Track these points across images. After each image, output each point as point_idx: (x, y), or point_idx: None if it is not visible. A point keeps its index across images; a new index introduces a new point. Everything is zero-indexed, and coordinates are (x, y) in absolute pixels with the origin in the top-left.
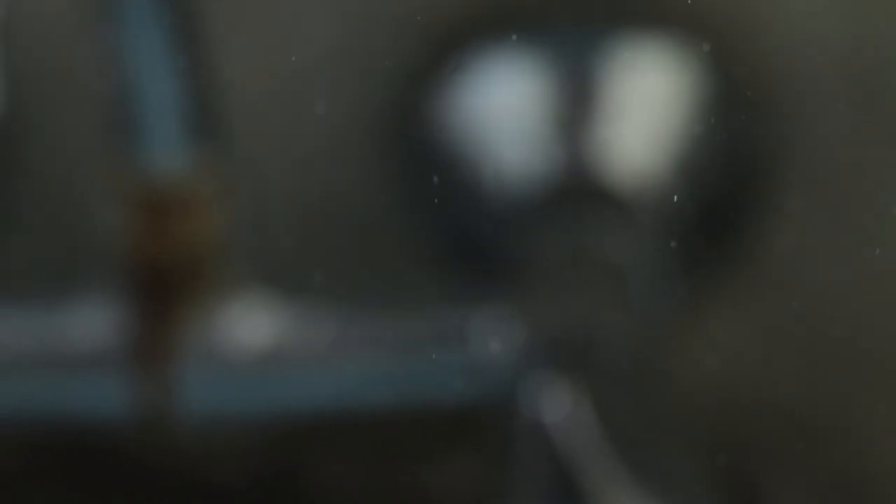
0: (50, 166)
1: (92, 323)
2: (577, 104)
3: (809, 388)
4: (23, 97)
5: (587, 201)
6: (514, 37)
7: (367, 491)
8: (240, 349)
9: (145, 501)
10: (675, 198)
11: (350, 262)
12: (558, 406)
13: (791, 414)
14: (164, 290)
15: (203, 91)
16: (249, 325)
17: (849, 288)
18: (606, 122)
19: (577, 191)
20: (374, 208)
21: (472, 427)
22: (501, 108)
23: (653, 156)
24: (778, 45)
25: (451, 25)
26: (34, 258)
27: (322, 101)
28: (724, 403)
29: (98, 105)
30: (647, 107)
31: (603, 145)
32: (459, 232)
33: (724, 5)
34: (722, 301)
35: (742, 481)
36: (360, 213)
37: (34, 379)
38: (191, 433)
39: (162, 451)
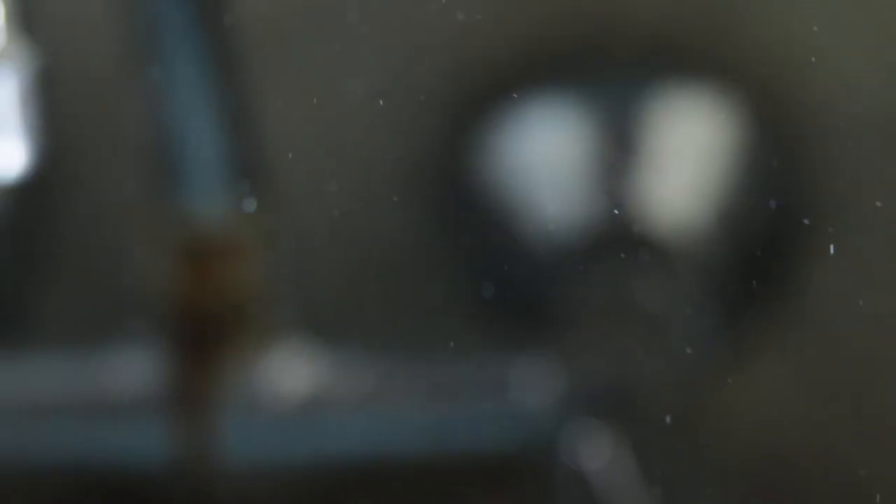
0: (92, 213)
1: (133, 370)
2: (618, 152)
3: (853, 437)
4: (66, 144)
5: (628, 249)
6: (556, 85)
7: None
8: (280, 397)
9: None
10: (717, 246)
11: (391, 309)
12: (599, 454)
13: (834, 463)
14: (205, 337)
15: (245, 139)
16: (289, 372)
17: (893, 335)
18: (648, 171)
19: (618, 239)
20: (416, 256)
21: (512, 475)
22: (544, 155)
23: (694, 204)
24: (818, 94)
25: (495, 73)
26: (76, 305)
27: (364, 148)
28: (766, 452)
29: (141, 153)
30: (688, 155)
31: (644, 194)
32: (501, 279)
33: (765, 56)
34: (764, 349)
35: None
36: (401, 261)
37: (75, 426)
38: (231, 481)
39: (202, 498)
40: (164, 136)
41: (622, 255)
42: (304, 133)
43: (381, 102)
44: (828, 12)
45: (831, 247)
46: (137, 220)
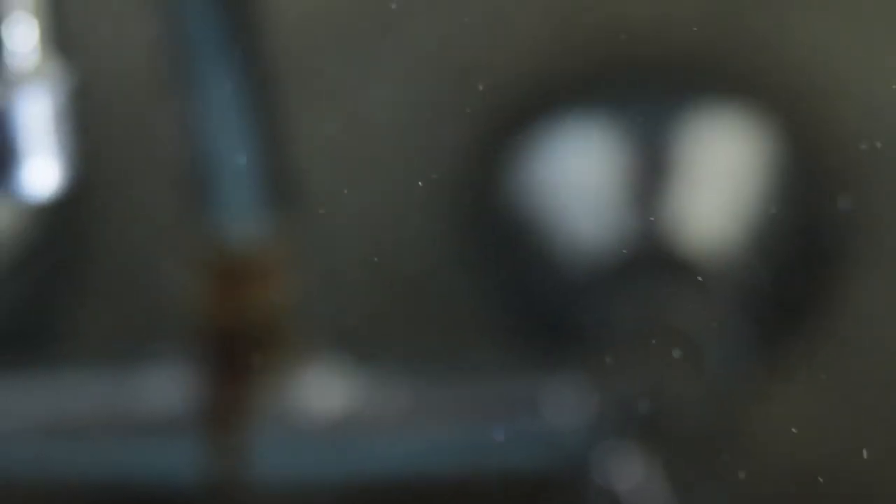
0: (125, 232)
1: (166, 388)
2: (651, 174)
3: (888, 458)
4: (99, 163)
5: (661, 271)
6: (590, 105)
7: None
8: (312, 416)
9: None
10: (750, 266)
11: (423, 329)
12: (630, 474)
13: (872, 481)
14: (237, 356)
15: (277, 159)
16: (322, 391)
17: None
18: (681, 193)
19: (651, 261)
20: (449, 275)
21: (544, 495)
22: (578, 175)
23: (727, 224)
24: (852, 114)
25: (529, 92)
26: (109, 323)
27: (397, 168)
28: (801, 471)
29: (174, 172)
30: (721, 177)
31: (677, 215)
32: (533, 301)
33: (799, 77)
34: (798, 368)
35: None
36: (433, 280)
37: (108, 443)
38: (263, 499)
39: None
40: (196, 155)
41: (655, 276)
42: (336, 152)
43: (412, 123)
44: (862, 36)
45: (866, 265)
46: (170, 239)
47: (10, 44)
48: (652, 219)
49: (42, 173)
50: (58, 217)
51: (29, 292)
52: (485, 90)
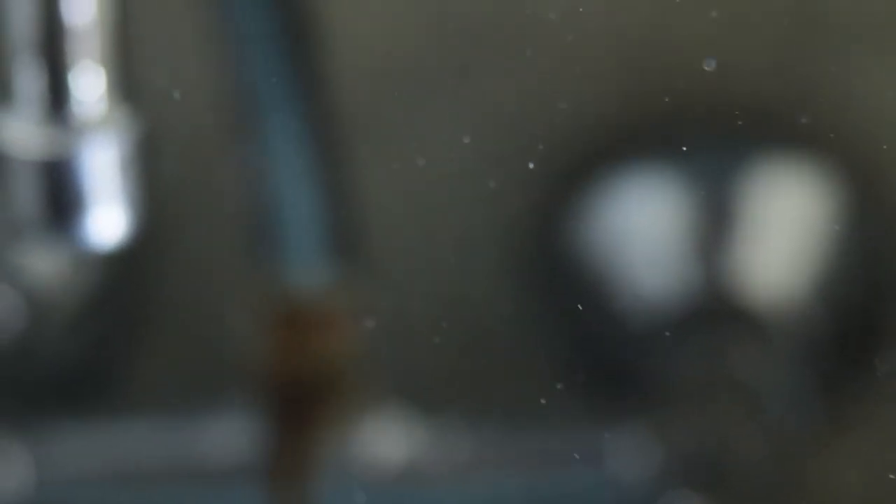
0: (190, 280)
1: (229, 438)
2: (716, 224)
3: None
4: (165, 210)
5: (725, 322)
6: (655, 156)
7: None
8: (377, 465)
9: None
10: (813, 317)
11: (487, 380)
12: None
13: None
14: (301, 405)
15: (343, 208)
16: (386, 440)
17: None
18: (744, 243)
19: (715, 310)
20: (512, 326)
21: None
22: (642, 226)
23: (791, 276)
24: None
25: (592, 146)
26: (173, 372)
27: (462, 216)
28: None
29: (238, 220)
30: (785, 227)
31: (740, 265)
32: (597, 351)
33: (863, 128)
34: (859, 419)
35: None
36: (497, 330)
37: (171, 493)
38: None
39: None
40: (261, 204)
41: (719, 327)
42: (400, 202)
43: (477, 172)
44: None
45: None
46: (235, 287)
47: (77, 92)
48: (717, 270)
49: (107, 222)
50: (122, 265)
51: (93, 341)
52: (549, 142)
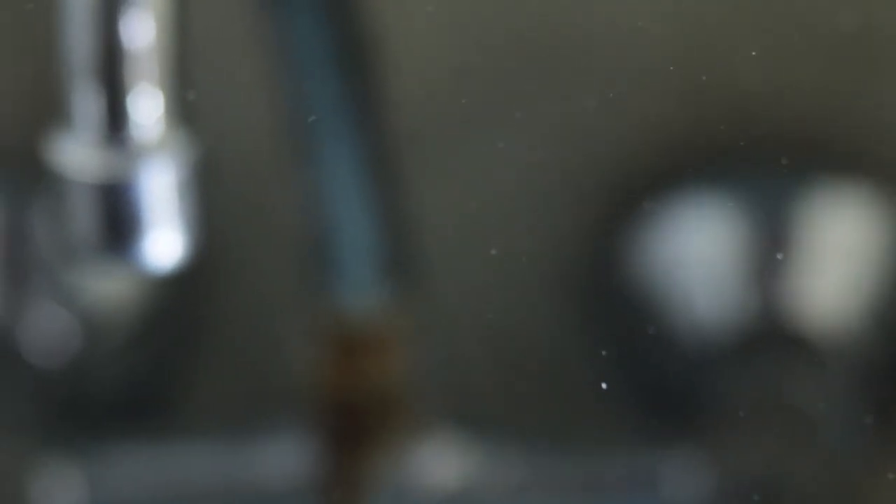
0: (246, 303)
1: (284, 459)
2: (770, 250)
3: None
4: (220, 234)
5: (780, 347)
6: (710, 182)
7: None
8: (429, 489)
9: None
10: (869, 343)
11: (540, 403)
12: None
13: None
14: (355, 428)
15: (398, 231)
16: (439, 463)
17: None
18: (800, 268)
19: (770, 336)
20: (566, 350)
21: None
22: (697, 252)
23: (846, 302)
24: None
25: (648, 172)
26: (228, 393)
27: (516, 240)
28: None
29: (295, 243)
30: (840, 253)
31: (796, 291)
32: (651, 375)
33: None
34: None
35: None
36: (551, 353)
37: None
38: None
39: None
40: (317, 227)
41: (774, 352)
42: (455, 224)
43: (531, 196)
44: None
45: None
46: (291, 310)
47: (135, 115)
48: (772, 296)
49: (164, 245)
50: (179, 288)
51: (149, 363)
52: (608, 166)
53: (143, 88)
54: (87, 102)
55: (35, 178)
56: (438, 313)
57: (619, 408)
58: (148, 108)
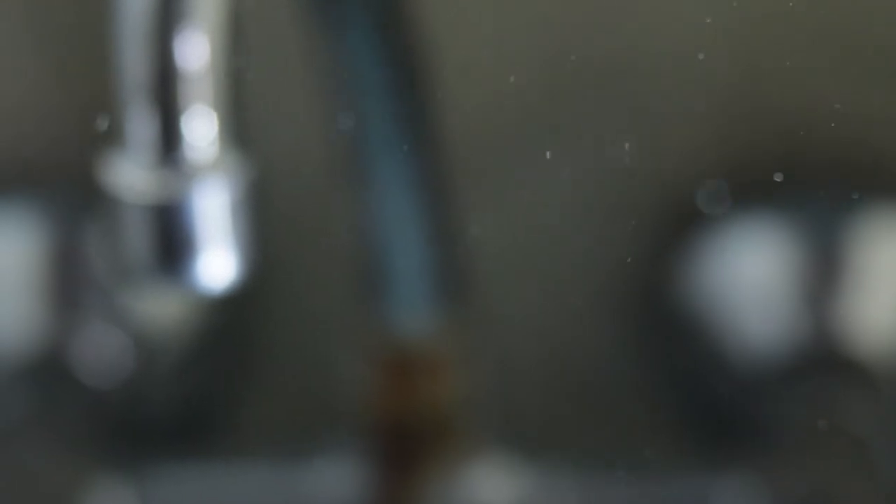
0: (299, 324)
1: (336, 480)
2: (823, 273)
3: None
4: (273, 255)
5: (833, 370)
6: (761, 205)
7: None
8: None
9: None
10: None
11: (592, 426)
12: None
13: None
14: (407, 449)
15: (451, 253)
16: (491, 486)
17: None
18: (853, 292)
19: (822, 360)
20: (619, 372)
21: None
22: (749, 275)
23: None
24: None
25: (700, 191)
26: (281, 414)
27: (568, 263)
28: None
29: (347, 265)
30: (892, 276)
31: (849, 315)
32: (703, 397)
33: None
34: None
35: None
36: (603, 376)
37: None
38: None
39: None
40: (370, 248)
41: (827, 376)
42: (507, 247)
43: (585, 220)
44: None
45: None
46: (343, 331)
47: (188, 136)
48: (824, 319)
49: (217, 266)
50: (232, 309)
51: (201, 384)
52: (658, 190)
53: (197, 109)
54: (140, 123)
55: (89, 200)
56: (491, 335)
57: (672, 431)
58: (202, 128)
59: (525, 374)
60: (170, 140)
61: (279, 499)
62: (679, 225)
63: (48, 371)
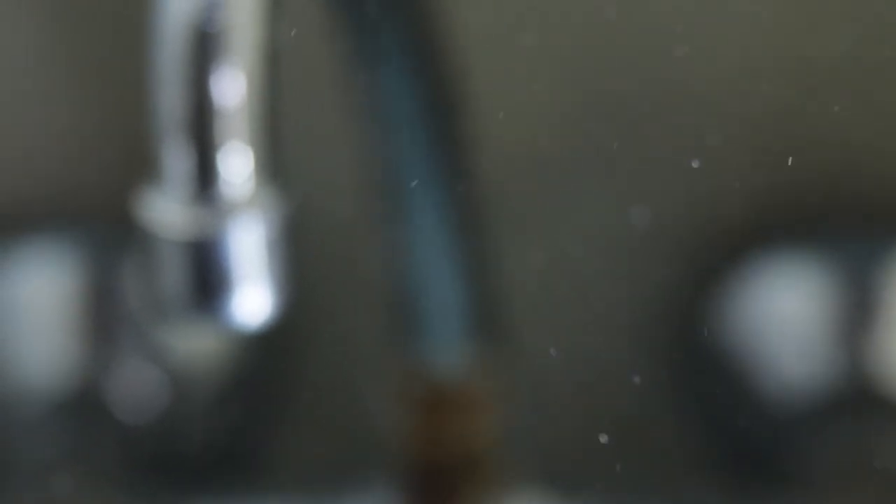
0: (332, 361)
1: None
2: (857, 311)
3: None
4: (309, 292)
5: (868, 408)
6: (796, 243)
7: None
8: None
9: None
10: None
11: (629, 464)
12: None
13: None
14: (442, 486)
15: (484, 290)
16: None
17: None
18: (887, 331)
19: (857, 397)
20: (653, 408)
21: None
22: (783, 312)
23: None
24: None
25: (735, 228)
26: (315, 451)
27: (602, 299)
28: None
29: (382, 301)
30: None
31: (883, 353)
32: (739, 435)
33: None
34: None
35: None
36: (638, 414)
37: None
38: None
39: None
40: (405, 285)
41: (862, 413)
42: (541, 284)
43: (618, 257)
44: None
45: None
46: (378, 368)
47: (224, 172)
48: (859, 357)
49: (253, 302)
50: (266, 345)
51: (236, 420)
52: (693, 226)
53: (233, 146)
54: (176, 159)
55: (125, 235)
56: (525, 372)
57: (707, 467)
58: (238, 165)
59: (559, 411)
60: (206, 176)
61: None
62: (714, 261)
63: (83, 407)
